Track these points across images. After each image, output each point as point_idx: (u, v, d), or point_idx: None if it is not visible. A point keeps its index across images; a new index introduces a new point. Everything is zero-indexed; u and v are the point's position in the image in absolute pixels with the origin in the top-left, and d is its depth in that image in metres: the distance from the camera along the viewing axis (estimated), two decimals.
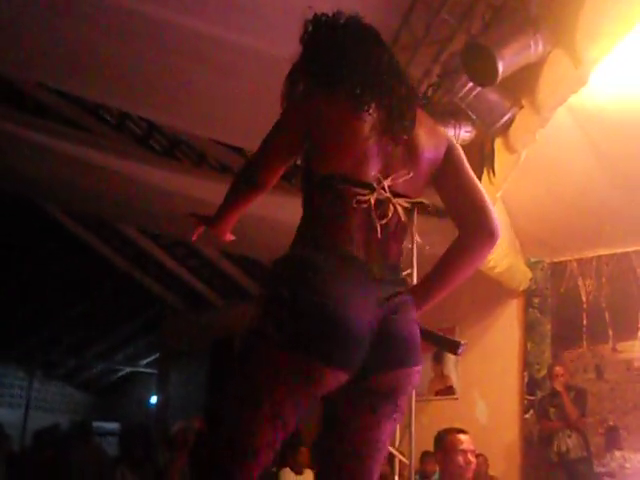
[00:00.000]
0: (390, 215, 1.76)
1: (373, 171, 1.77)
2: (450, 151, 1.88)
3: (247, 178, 1.90)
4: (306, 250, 1.72)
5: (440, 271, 1.88)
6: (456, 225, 1.87)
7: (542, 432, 6.18)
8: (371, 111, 1.78)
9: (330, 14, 1.92)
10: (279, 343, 1.63)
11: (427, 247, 5.17)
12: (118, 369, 14.66)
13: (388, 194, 1.77)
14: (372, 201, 1.74)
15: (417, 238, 4.90)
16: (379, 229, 1.75)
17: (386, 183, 1.77)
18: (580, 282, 6.63)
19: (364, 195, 1.74)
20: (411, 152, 1.81)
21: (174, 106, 5.29)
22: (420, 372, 1.79)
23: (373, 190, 1.75)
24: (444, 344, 2.00)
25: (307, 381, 1.64)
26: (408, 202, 1.80)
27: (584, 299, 6.58)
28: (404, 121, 1.82)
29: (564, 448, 5.76)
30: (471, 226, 1.84)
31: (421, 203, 1.83)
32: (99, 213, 8.05)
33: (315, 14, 1.93)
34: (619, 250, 6.43)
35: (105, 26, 4.24)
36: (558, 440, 5.81)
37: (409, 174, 1.79)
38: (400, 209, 1.78)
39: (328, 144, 1.77)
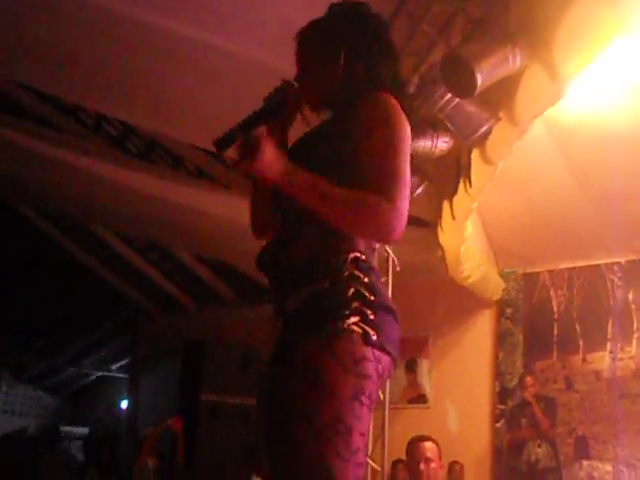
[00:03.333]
0: None
1: None
2: None
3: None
4: (365, 252, 1.73)
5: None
6: None
7: (512, 441, 6.23)
8: None
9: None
10: (380, 344, 1.63)
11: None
12: (89, 373, 14.50)
13: None
14: None
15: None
16: None
17: None
18: (552, 293, 6.70)
19: None
20: None
21: (152, 109, 5.26)
22: None
23: None
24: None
25: (382, 384, 1.72)
26: None
27: (555, 310, 6.64)
28: None
29: (534, 458, 5.82)
30: None
31: None
32: (73, 214, 7.99)
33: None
34: (591, 262, 6.50)
35: (84, 26, 4.20)
36: (528, 450, 5.87)
37: None
38: None
39: None
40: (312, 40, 1.90)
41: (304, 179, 1.64)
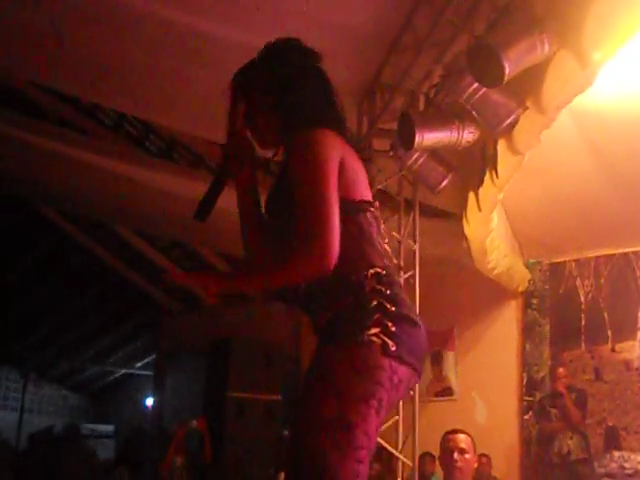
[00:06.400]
0: None
1: None
2: None
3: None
4: (386, 266, 1.80)
5: None
6: None
7: (542, 433, 6.17)
8: None
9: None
10: (398, 356, 1.68)
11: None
12: (113, 371, 14.59)
13: None
14: None
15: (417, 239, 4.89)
16: None
17: None
18: (579, 283, 6.62)
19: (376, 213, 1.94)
20: None
21: (171, 107, 5.25)
22: None
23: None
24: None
25: (399, 396, 1.74)
26: None
27: (583, 300, 6.56)
28: None
29: (565, 449, 5.76)
30: None
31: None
32: (94, 214, 8.00)
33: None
34: (618, 250, 6.41)
35: (101, 25, 4.19)
36: (559, 441, 5.81)
37: None
38: None
39: (355, 175, 1.85)
40: (250, 86, 1.96)
41: (234, 279, 1.91)
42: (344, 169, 1.79)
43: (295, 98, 1.89)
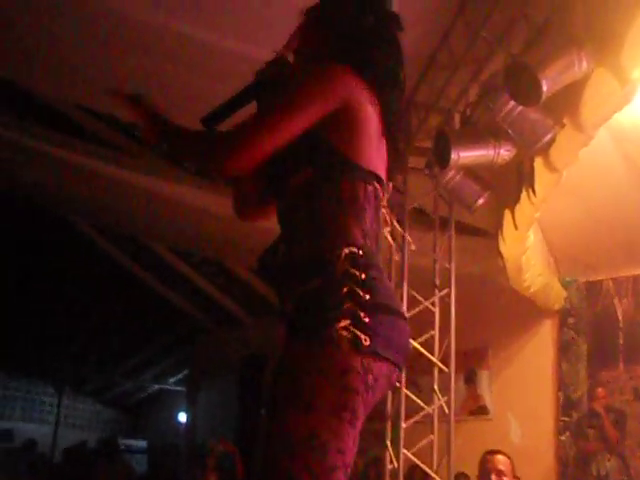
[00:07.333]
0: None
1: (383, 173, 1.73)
2: None
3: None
4: (364, 246, 1.58)
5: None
6: None
7: (579, 454, 6.07)
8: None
9: None
10: (372, 352, 1.47)
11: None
12: (147, 386, 14.68)
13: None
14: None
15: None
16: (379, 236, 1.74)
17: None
18: (616, 301, 6.51)
19: (383, 198, 1.72)
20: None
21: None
22: None
23: (387, 193, 1.75)
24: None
25: (379, 394, 1.54)
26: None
27: (620, 318, 6.46)
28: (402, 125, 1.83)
29: (603, 472, 5.66)
30: None
31: None
32: (130, 231, 8.10)
33: None
34: None
35: (129, 42, 4.25)
36: (597, 463, 5.71)
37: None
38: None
39: (363, 134, 1.64)
40: (319, 21, 1.81)
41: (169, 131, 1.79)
42: (351, 120, 1.62)
43: (361, 52, 1.71)
